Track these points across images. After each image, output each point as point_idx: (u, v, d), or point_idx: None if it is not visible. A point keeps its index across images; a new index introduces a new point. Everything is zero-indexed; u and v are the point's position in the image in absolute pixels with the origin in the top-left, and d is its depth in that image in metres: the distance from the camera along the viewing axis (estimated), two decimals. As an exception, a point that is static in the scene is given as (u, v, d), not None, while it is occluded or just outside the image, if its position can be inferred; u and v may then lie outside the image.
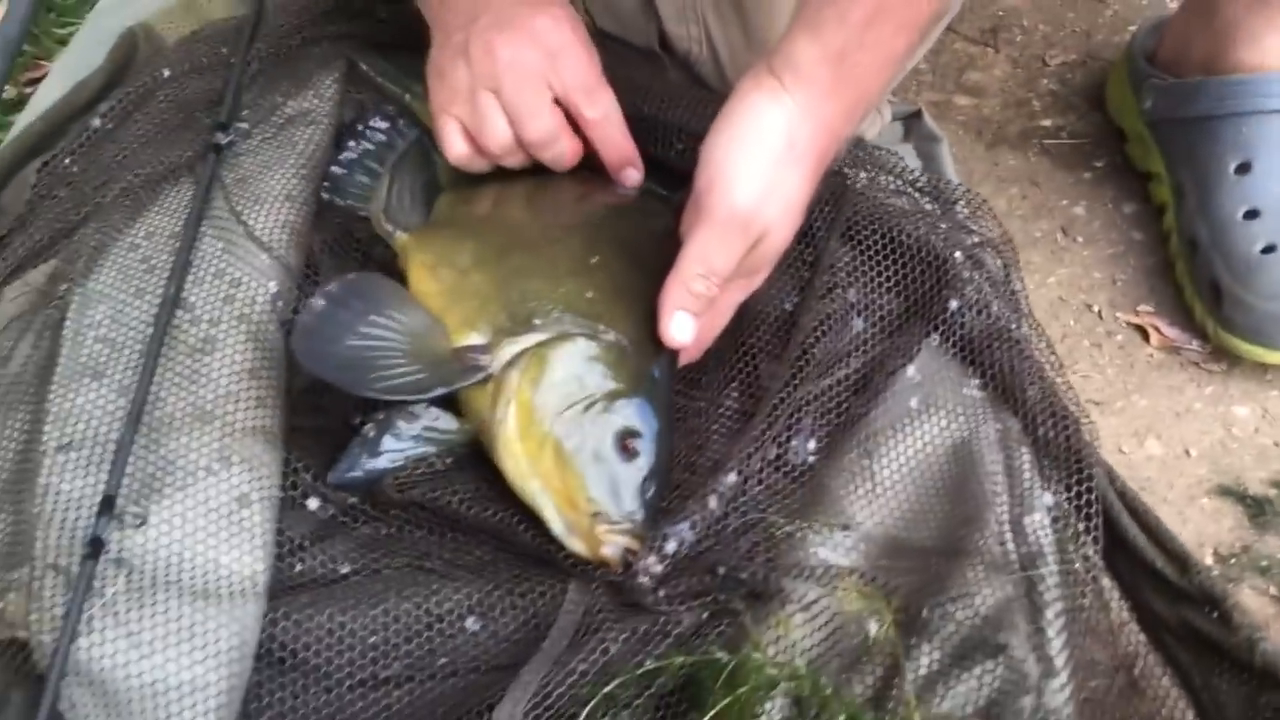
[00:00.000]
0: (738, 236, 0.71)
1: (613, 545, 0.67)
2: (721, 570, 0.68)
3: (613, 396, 0.71)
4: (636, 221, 0.85)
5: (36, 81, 1.13)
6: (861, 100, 0.71)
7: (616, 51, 1.03)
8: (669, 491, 0.73)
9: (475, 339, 0.73)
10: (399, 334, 0.73)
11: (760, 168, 0.70)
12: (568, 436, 0.69)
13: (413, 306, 0.76)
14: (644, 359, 0.74)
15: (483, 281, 0.77)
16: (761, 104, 0.69)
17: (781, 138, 0.69)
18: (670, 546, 0.70)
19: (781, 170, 0.70)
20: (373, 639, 0.66)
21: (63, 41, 1.18)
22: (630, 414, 0.71)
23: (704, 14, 0.99)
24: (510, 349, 0.72)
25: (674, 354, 0.76)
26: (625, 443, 0.69)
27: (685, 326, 0.73)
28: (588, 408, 0.70)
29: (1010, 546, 0.73)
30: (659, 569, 0.68)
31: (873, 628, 0.68)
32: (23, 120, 1.02)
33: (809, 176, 0.72)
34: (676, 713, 0.64)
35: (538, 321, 0.73)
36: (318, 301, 0.73)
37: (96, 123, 0.92)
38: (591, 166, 0.87)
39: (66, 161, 0.90)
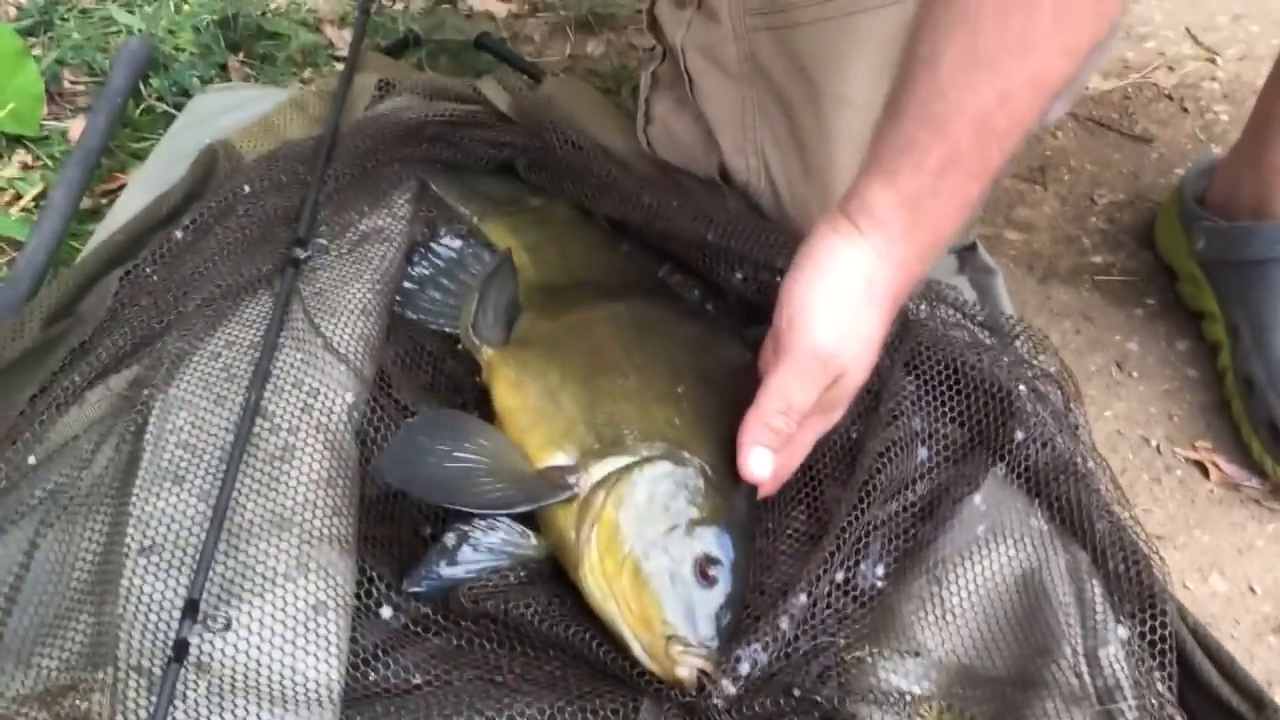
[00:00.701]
0: (817, 375, 0.72)
1: (687, 667, 0.67)
2: (797, 693, 0.68)
3: (695, 523, 0.72)
4: (715, 352, 0.87)
5: (112, 193, 1.17)
6: (936, 243, 0.73)
7: (677, 179, 1.06)
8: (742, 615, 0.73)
9: (562, 459, 0.75)
10: (484, 456, 0.74)
11: (839, 308, 0.71)
12: (648, 558, 0.70)
13: (494, 432, 0.78)
14: (726, 488, 0.75)
15: (569, 402, 0.78)
16: (839, 246, 0.71)
17: (860, 279, 0.71)
18: (744, 668, 0.69)
19: (860, 311, 0.72)
20: (446, 750, 0.66)
21: (138, 155, 1.21)
22: (711, 541, 0.71)
23: (763, 148, 1.02)
24: (599, 470, 0.73)
25: (754, 486, 0.77)
26: (705, 570, 0.70)
27: (764, 461, 0.75)
28: (670, 531, 0.71)
29: (1086, 679, 0.72)
30: (732, 691, 0.68)
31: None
32: (101, 230, 1.06)
33: (885, 317, 0.74)
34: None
35: (626, 444, 0.75)
36: (403, 433, 0.75)
37: (178, 234, 0.95)
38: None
39: (148, 271, 0.93)
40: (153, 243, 0.95)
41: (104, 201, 1.17)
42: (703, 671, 0.67)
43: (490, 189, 1.06)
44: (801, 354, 0.72)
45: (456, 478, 0.72)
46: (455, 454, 0.74)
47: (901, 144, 0.70)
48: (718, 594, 0.70)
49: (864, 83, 0.95)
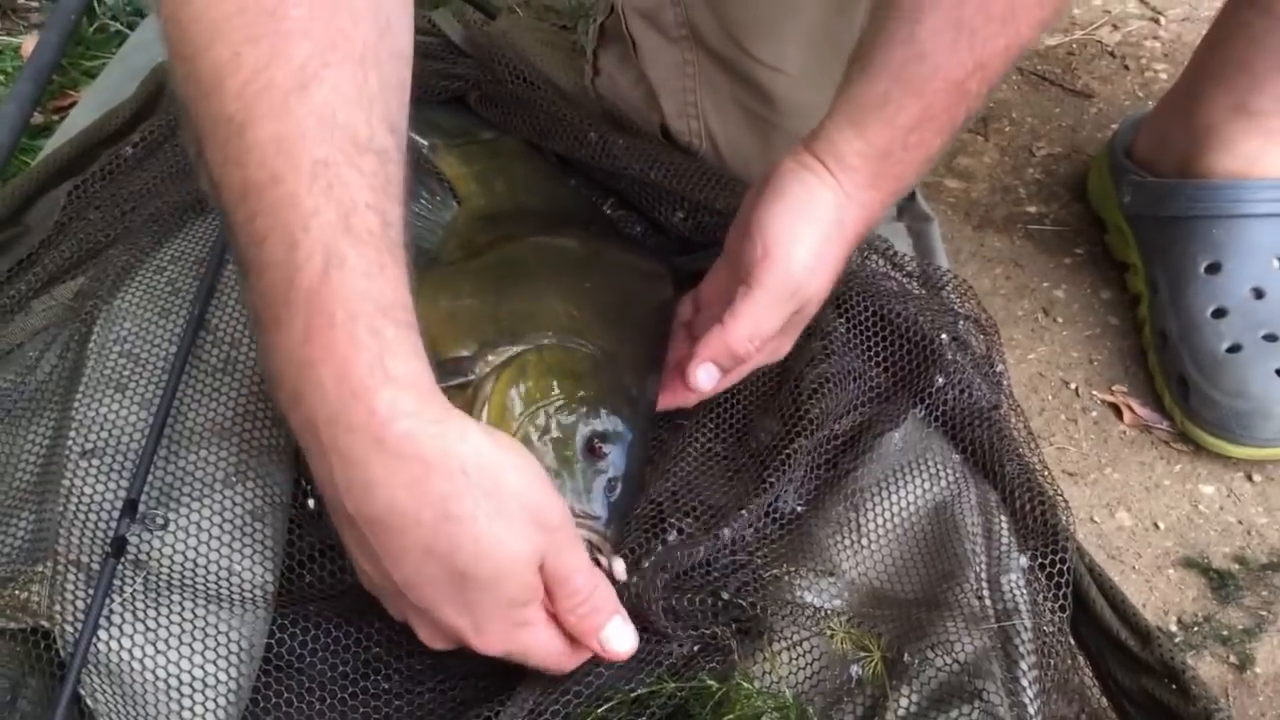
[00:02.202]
0: (787, 303, 0.74)
1: None
2: (725, 595, 0.71)
3: (585, 402, 0.73)
4: (635, 267, 0.89)
5: (64, 110, 1.17)
6: (899, 191, 0.75)
7: (625, 124, 1.08)
8: (643, 509, 0.75)
9: (462, 352, 0.76)
10: None
11: (814, 241, 0.73)
12: (535, 435, 0.71)
13: None
14: (621, 376, 0.77)
15: (475, 302, 0.80)
16: (813, 184, 0.73)
17: (833, 215, 0.73)
18: (656, 564, 0.72)
19: (830, 245, 0.74)
20: (375, 650, 0.69)
21: (90, 74, 1.22)
22: (601, 421, 0.73)
23: (704, 111, 1.04)
24: (494, 357, 0.75)
25: (655, 379, 0.79)
26: (593, 446, 0.72)
27: (711, 377, 0.76)
28: (558, 409, 0.72)
29: (988, 602, 0.76)
30: (623, 574, 0.70)
31: (855, 670, 0.71)
32: (50, 146, 1.06)
33: (847, 252, 0.76)
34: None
35: (523, 335, 0.76)
36: None
37: (128, 151, 0.96)
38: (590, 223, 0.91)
39: (97, 186, 0.94)
40: (102, 158, 0.97)
41: (55, 118, 1.17)
42: (592, 544, 0.68)
43: (442, 120, 1.08)
44: (775, 282, 0.73)
45: None
46: None
47: (875, 99, 0.71)
48: (605, 469, 0.71)
49: (797, 51, 0.97)
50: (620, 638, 0.64)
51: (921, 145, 0.72)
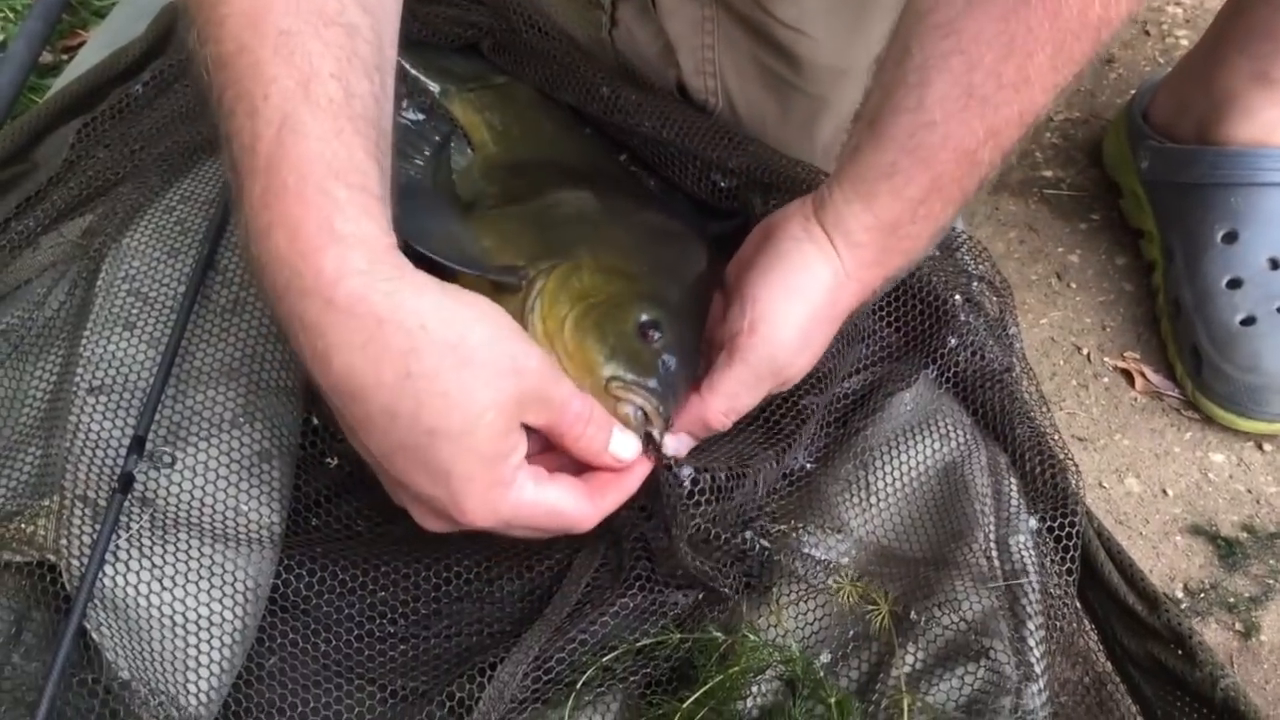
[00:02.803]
0: (767, 381, 0.72)
1: (630, 405, 0.68)
2: (749, 533, 0.70)
3: (638, 296, 0.72)
4: (679, 230, 0.88)
5: (73, 49, 1.16)
6: (906, 266, 0.73)
7: (640, 84, 1.07)
8: None
9: (514, 259, 0.74)
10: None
11: (802, 323, 0.70)
12: (589, 314, 0.70)
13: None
14: (671, 289, 0.76)
15: (524, 231, 0.79)
16: (813, 259, 0.70)
17: (828, 296, 0.70)
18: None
19: (819, 326, 0.72)
20: (381, 594, 0.69)
21: (100, 13, 1.20)
22: (653, 311, 0.72)
23: (721, 69, 1.02)
24: (544, 264, 0.73)
25: (702, 319, 0.77)
26: (645, 331, 0.71)
27: (684, 446, 0.73)
28: (610, 299, 0.71)
29: (996, 562, 0.76)
30: (675, 450, 0.69)
31: (852, 629, 0.71)
32: (59, 84, 1.05)
33: (835, 330, 0.73)
34: (668, 689, 0.67)
35: (572, 253, 0.75)
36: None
37: (138, 89, 0.95)
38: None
39: (106, 125, 0.93)
40: (111, 96, 0.95)
41: (64, 57, 1.16)
42: (645, 413, 0.68)
43: (454, 66, 1.06)
44: (758, 361, 0.71)
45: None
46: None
47: (884, 169, 0.68)
48: (658, 348, 0.70)
49: (819, 13, 0.95)
50: (624, 444, 0.65)
51: (930, 218, 0.69)
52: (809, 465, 0.82)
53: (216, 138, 0.59)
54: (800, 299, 0.70)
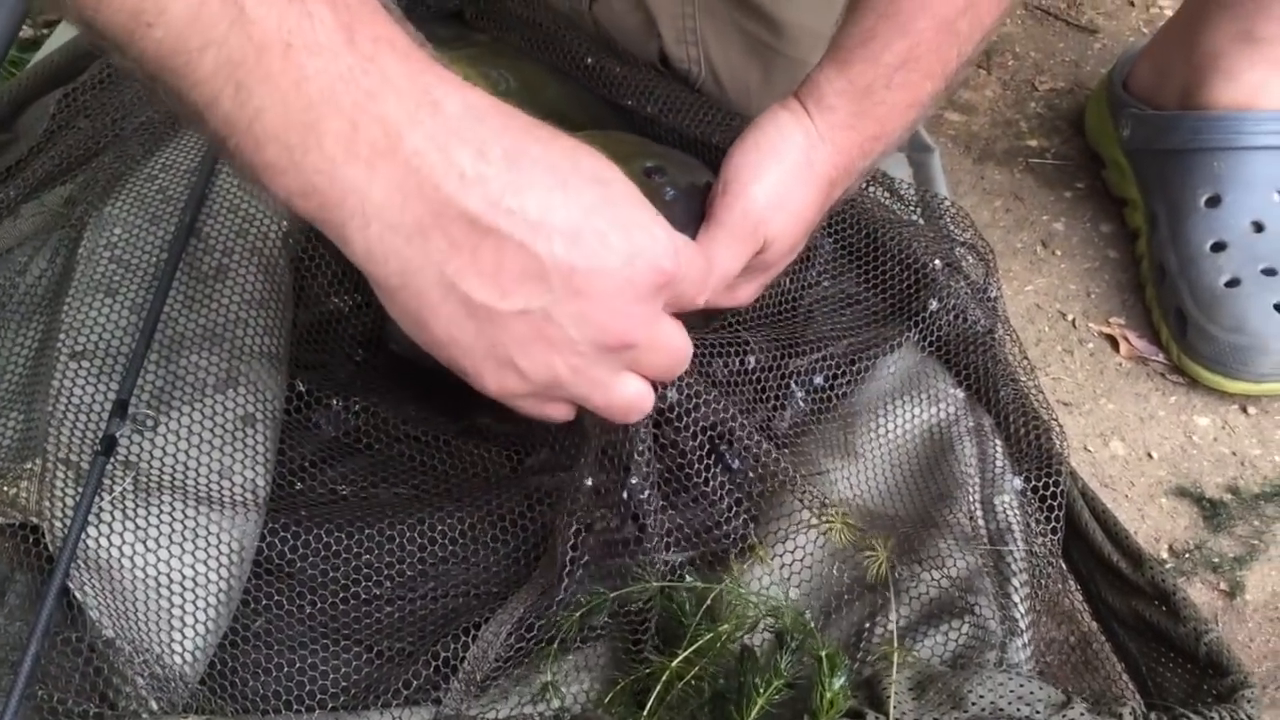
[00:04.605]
0: (746, 239, 0.72)
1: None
2: (735, 464, 0.70)
3: (646, 154, 0.76)
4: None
5: (53, 23, 1.15)
6: (880, 136, 0.73)
7: (623, 56, 1.06)
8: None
9: None
10: None
11: (775, 176, 0.71)
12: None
13: None
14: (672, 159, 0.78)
15: None
16: (785, 121, 0.71)
17: (800, 153, 0.71)
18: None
19: (794, 182, 0.72)
20: (366, 557, 0.69)
21: (80, -11, 1.19)
22: (656, 160, 0.75)
23: (703, 37, 1.02)
24: None
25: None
26: (649, 172, 0.73)
27: None
28: (618, 154, 0.70)
29: (980, 522, 0.76)
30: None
31: (846, 578, 0.71)
32: (39, 57, 1.04)
33: (818, 196, 0.73)
34: (658, 649, 0.67)
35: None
36: None
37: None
38: None
39: (87, 95, 0.92)
40: (92, 67, 0.95)
41: (45, 32, 1.15)
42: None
43: (436, 29, 1.06)
44: (733, 218, 0.71)
45: None
46: None
47: (861, 36, 0.69)
48: (662, 186, 0.73)
49: None
50: None
51: (907, 87, 0.70)
52: (794, 428, 0.82)
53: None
54: (771, 155, 0.71)
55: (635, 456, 0.68)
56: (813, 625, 0.65)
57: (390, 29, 0.51)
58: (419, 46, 0.52)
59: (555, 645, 0.66)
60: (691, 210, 0.72)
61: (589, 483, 0.69)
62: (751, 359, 0.81)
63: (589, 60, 1.02)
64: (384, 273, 0.52)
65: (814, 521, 0.70)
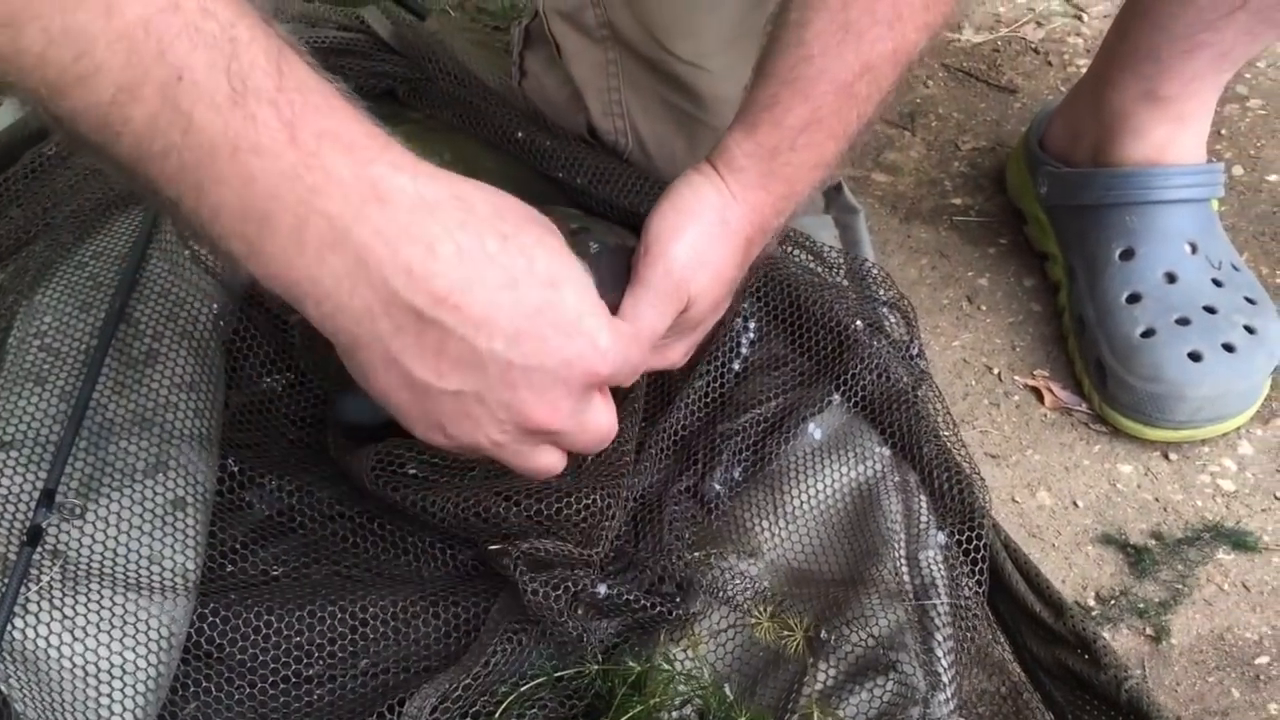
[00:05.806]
0: (669, 298, 0.73)
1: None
2: (664, 564, 0.72)
3: (572, 219, 0.75)
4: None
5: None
6: (790, 195, 0.75)
7: (552, 129, 1.09)
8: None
9: None
10: None
11: (693, 236, 0.73)
12: None
13: None
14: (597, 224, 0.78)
15: None
16: (699, 183, 0.74)
17: (715, 213, 0.73)
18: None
19: (713, 242, 0.74)
20: (297, 639, 0.69)
21: (16, 76, 1.20)
22: (582, 222, 0.75)
23: (629, 109, 1.05)
24: None
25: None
26: (575, 233, 0.72)
27: None
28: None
29: (905, 578, 0.78)
30: None
31: (765, 655, 0.72)
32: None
33: (737, 254, 0.75)
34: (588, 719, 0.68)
35: None
36: None
37: (50, 150, 0.95)
38: None
39: (19, 185, 0.93)
40: (24, 157, 0.96)
41: (-22, 120, 1.16)
42: None
43: (370, 110, 1.08)
44: (656, 277, 0.73)
45: None
46: None
47: (766, 101, 0.72)
48: (588, 243, 0.72)
49: (716, 46, 0.99)
50: None
51: (811, 148, 0.73)
52: (723, 490, 0.83)
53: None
54: (689, 216, 0.73)
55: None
56: (732, 699, 0.66)
57: (337, 122, 0.53)
58: (373, 135, 0.54)
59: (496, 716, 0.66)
60: (616, 268, 0.74)
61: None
62: (679, 426, 0.83)
63: (519, 134, 1.04)
64: (336, 340, 0.57)
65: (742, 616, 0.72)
